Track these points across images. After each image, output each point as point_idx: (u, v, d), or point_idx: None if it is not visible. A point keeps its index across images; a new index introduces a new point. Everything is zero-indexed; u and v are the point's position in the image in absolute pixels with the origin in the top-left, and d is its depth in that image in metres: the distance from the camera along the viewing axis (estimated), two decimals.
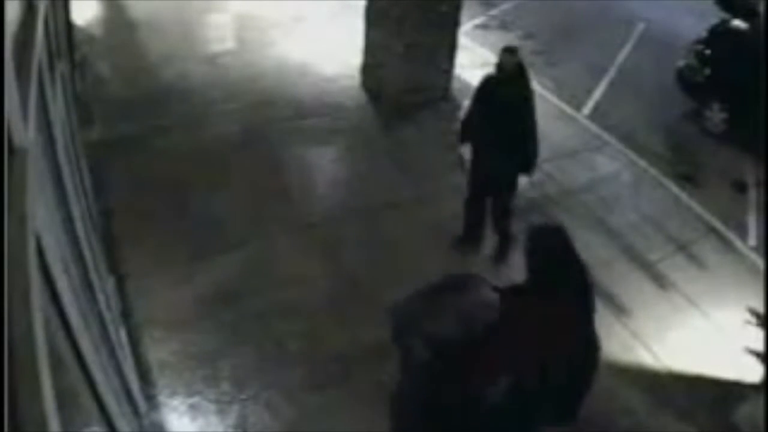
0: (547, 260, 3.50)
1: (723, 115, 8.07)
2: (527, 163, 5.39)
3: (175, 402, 4.47)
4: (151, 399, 4.44)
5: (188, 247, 5.68)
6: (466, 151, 5.55)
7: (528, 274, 3.56)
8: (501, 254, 5.87)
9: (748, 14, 8.78)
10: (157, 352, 4.78)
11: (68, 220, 3.07)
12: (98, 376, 2.34)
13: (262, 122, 7.40)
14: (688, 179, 7.31)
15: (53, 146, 2.88)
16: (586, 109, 8.30)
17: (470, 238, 5.96)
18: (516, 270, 5.89)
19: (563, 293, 3.37)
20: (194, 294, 5.23)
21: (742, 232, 6.61)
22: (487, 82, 5.44)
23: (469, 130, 5.53)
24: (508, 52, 5.17)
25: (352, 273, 5.58)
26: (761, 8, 8.73)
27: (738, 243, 6.46)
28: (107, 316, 3.71)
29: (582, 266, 3.53)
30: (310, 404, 4.52)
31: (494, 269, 5.84)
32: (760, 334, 5.40)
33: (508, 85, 5.19)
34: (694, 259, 6.21)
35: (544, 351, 3.20)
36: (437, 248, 5.90)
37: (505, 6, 10.82)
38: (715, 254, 6.31)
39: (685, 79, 8.53)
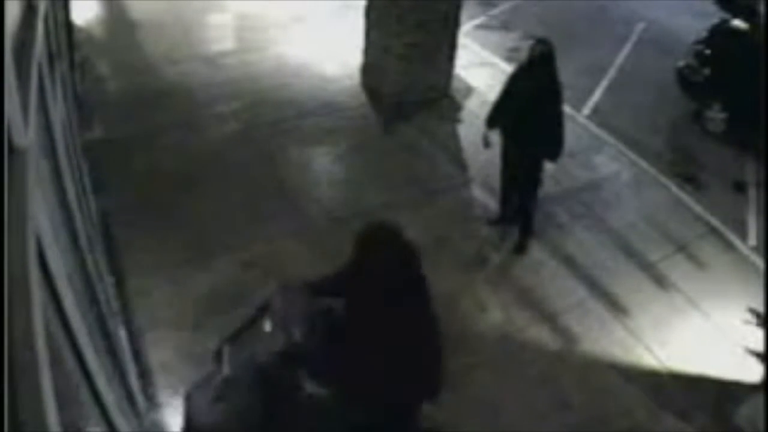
0: (386, 267, 3.28)
1: (723, 115, 8.06)
2: (552, 151, 5.59)
3: (175, 402, 4.47)
4: (151, 399, 4.44)
5: (188, 247, 5.68)
6: (492, 135, 5.81)
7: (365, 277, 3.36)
8: (520, 249, 6.06)
9: (748, 14, 8.78)
10: (157, 352, 4.78)
11: (68, 220, 3.07)
12: (98, 376, 2.34)
13: (262, 122, 7.40)
14: (688, 179, 7.31)
15: (53, 146, 2.88)
16: (586, 109, 8.29)
17: (503, 219, 6.24)
18: (527, 267, 5.92)
19: (404, 298, 3.29)
20: (194, 293, 5.24)
21: (742, 232, 6.61)
22: (516, 71, 5.71)
23: (498, 115, 5.73)
24: (538, 42, 5.39)
25: None
26: (761, 8, 8.72)
27: (738, 243, 6.46)
28: (107, 316, 3.71)
29: (419, 269, 3.39)
30: None
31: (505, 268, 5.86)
32: (760, 334, 5.40)
33: (533, 74, 5.37)
34: (694, 259, 6.21)
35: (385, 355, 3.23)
36: (437, 247, 5.89)
37: (505, 6, 10.82)
38: (715, 254, 6.30)
39: (685, 79, 8.52)
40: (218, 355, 3.90)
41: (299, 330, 3.46)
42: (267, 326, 3.65)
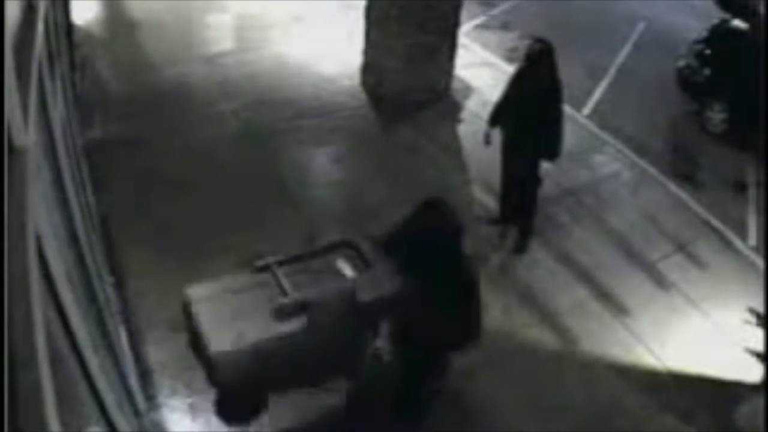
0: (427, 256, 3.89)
1: (723, 115, 8.05)
2: (551, 150, 5.58)
3: (175, 402, 4.47)
4: (151, 399, 4.44)
5: (188, 247, 5.67)
6: (493, 133, 5.82)
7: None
8: (520, 248, 6.07)
9: (748, 14, 8.77)
10: (157, 353, 4.78)
11: (68, 220, 3.07)
12: (98, 376, 2.34)
13: (262, 122, 7.40)
14: (688, 179, 7.31)
15: (53, 146, 2.88)
16: (586, 110, 8.29)
17: (503, 218, 6.26)
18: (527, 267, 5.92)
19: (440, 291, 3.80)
20: None
21: (742, 232, 6.61)
22: (517, 70, 5.76)
23: (500, 114, 5.76)
24: (536, 41, 5.43)
25: None
26: (761, 8, 8.72)
27: (738, 243, 6.46)
28: (107, 316, 3.71)
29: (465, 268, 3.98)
30: (308, 404, 4.53)
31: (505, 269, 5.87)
32: (760, 334, 5.40)
33: (534, 72, 5.39)
34: (694, 259, 6.21)
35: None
36: None
37: (505, 6, 10.81)
38: (715, 254, 6.30)
39: (685, 79, 8.52)
40: (265, 271, 4.21)
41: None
42: (343, 267, 4.14)
